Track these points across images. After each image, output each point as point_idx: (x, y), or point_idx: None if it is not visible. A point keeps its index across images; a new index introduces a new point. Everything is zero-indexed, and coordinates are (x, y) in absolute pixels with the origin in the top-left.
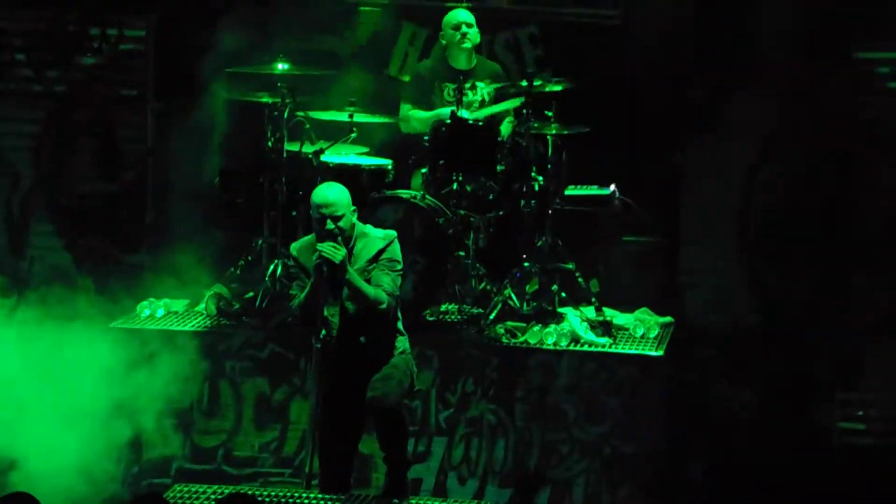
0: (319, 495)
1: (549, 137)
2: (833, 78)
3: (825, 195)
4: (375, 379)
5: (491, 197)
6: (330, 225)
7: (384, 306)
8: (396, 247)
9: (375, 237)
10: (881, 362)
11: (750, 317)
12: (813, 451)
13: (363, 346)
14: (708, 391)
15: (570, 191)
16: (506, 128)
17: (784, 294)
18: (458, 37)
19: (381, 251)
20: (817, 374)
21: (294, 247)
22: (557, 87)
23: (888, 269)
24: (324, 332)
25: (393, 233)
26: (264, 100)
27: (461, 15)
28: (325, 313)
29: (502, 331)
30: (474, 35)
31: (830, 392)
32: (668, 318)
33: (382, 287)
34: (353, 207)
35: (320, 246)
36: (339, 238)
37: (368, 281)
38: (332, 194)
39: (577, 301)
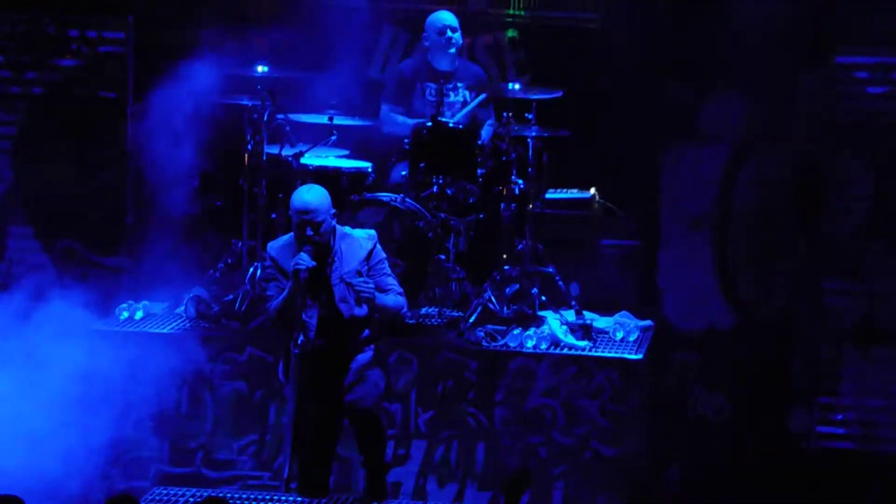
0: (299, 498)
1: (529, 141)
2: (811, 82)
3: (802, 199)
4: (351, 382)
5: (471, 200)
6: (309, 231)
7: (405, 308)
8: (379, 245)
9: (358, 237)
10: (858, 366)
11: (727, 321)
12: (791, 455)
13: (348, 348)
14: (686, 394)
15: (551, 194)
16: (486, 131)
17: (761, 297)
18: (443, 42)
19: (369, 252)
20: (794, 378)
21: (271, 246)
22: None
23: (864, 272)
24: (302, 335)
25: (373, 232)
26: (244, 102)
27: (446, 19)
28: (303, 316)
29: (482, 334)
30: (458, 39)
31: (808, 396)
32: (648, 322)
33: (394, 290)
34: (333, 210)
35: (358, 284)
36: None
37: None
38: (311, 200)
39: (557, 304)
